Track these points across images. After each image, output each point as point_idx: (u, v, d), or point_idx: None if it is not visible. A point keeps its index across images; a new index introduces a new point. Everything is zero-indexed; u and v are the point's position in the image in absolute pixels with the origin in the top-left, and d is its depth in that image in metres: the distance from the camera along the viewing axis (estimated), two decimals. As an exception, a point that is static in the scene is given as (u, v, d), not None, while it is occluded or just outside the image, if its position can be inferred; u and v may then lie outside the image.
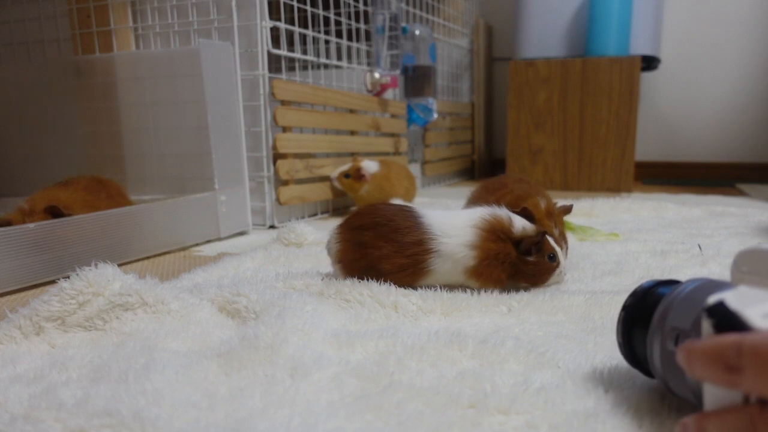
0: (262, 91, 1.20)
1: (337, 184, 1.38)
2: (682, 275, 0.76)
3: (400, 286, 0.67)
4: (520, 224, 0.69)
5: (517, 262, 0.68)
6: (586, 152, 1.93)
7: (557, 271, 0.71)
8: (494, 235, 0.67)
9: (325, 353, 0.51)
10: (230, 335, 0.56)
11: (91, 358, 0.51)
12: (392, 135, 1.72)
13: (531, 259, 0.68)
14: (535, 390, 0.43)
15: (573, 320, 0.61)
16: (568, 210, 0.85)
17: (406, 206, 0.72)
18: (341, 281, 0.69)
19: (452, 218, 0.69)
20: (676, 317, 0.38)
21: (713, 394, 0.32)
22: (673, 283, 0.43)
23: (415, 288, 0.68)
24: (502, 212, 0.69)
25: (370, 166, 1.36)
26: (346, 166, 1.37)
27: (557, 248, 0.71)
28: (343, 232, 0.71)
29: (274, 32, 1.23)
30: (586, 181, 1.94)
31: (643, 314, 0.41)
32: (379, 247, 0.67)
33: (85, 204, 0.98)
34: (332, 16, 1.46)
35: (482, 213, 0.69)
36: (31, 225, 0.81)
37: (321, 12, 1.39)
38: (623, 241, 0.99)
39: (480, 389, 0.44)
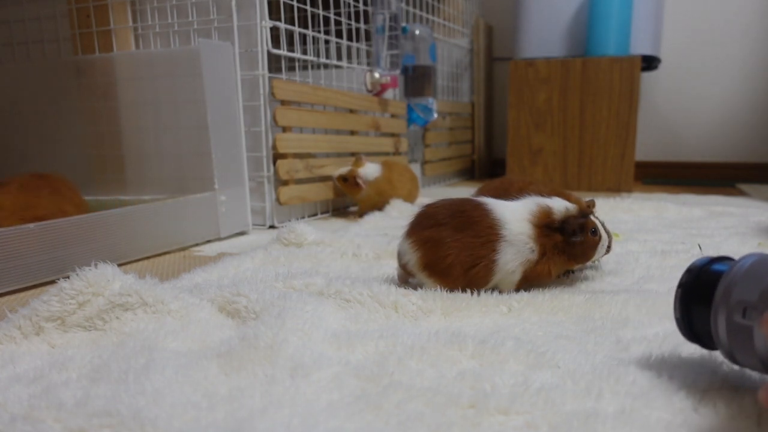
0: (262, 91, 1.20)
1: (335, 182, 1.38)
2: (683, 275, 0.76)
3: (472, 284, 0.67)
4: (561, 207, 0.69)
5: (565, 247, 0.68)
6: (586, 152, 1.93)
7: (600, 244, 0.71)
8: (543, 229, 0.68)
9: (325, 353, 0.51)
10: (230, 335, 0.56)
11: (91, 358, 0.51)
12: (392, 135, 1.72)
13: (577, 239, 0.68)
14: (535, 390, 0.43)
15: (573, 320, 0.61)
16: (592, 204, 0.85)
17: (468, 199, 0.71)
18: (341, 281, 0.69)
19: (512, 209, 0.69)
20: (742, 291, 0.40)
21: None
22: (724, 259, 0.45)
23: (480, 288, 0.67)
24: (542, 201, 0.70)
25: (369, 171, 1.35)
26: (345, 169, 1.36)
27: (597, 222, 0.71)
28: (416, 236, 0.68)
29: (274, 32, 1.23)
30: (586, 181, 1.94)
31: (702, 290, 0.43)
32: (458, 239, 0.66)
33: (21, 206, 0.89)
34: (332, 16, 1.46)
35: (530, 206, 0.69)
36: (31, 225, 0.81)
37: (321, 12, 1.39)
38: (623, 241, 0.99)
39: (480, 389, 0.44)
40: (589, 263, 0.75)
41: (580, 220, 0.68)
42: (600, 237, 0.71)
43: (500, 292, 0.68)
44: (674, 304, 0.45)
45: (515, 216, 0.68)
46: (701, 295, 0.43)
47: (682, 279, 0.45)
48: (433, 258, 0.67)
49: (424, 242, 0.67)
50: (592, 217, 0.71)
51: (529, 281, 0.70)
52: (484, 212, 0.68)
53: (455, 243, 0.66)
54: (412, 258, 0.68)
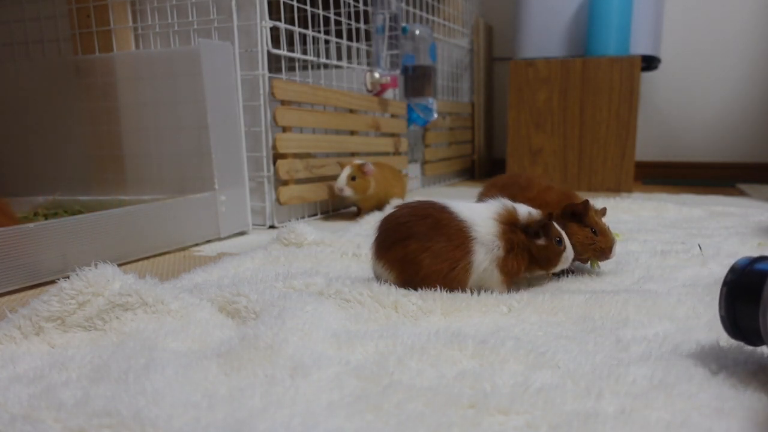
0: (261, 91, 1.20)
1: (349, 192, 1.29)
2: (683, 275, 0.76)
3: (449, 287, 0.67)
4: (525, 211, 0.71)
5: (530, 247, 0.70)
6: (586, 152, 1.93)
7: (564, 255, 0.72)
8: (509, 226, 0.69)
9: (325, 353, 0.51)
10: (230, 335, 0.56)
11: (91, 358, 0.51)
12: (392, 135, 1.72)
13: (540, 242, 0.70)
14: (535, 390, 0.43)
15: (573, 320, 0.61)
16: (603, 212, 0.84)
17: (427, 202, 0.71)
18: (341, 281, 0.69)
19: (476, 209, 0.71)
20: None
21: None
22: (765, 259, 0.47)
23: (459, 289, 0.67)
24: (507, 203, 0.72)
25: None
26: (346, 172, 1.29)
27: (562, 232, 0.73)
28: (383, 252, 0.69)
29: (274, 32, 1.23)
30: (586, 181, 1.94)
31: (747, 289, 0.45)
32: (428, 247, 0.66)
33: None
34: (332, 16, 1.46)
35: (495, 206, 0.71)
36: (31, 225, 0.81)
37: (321, 12, 1.39)
38: (623, 241, 0.99)
39: (480, 389, 0.44)
40: (556, 270, 0.74)
41: (542, 223, 0.70)
42: (564, 248, 0.72)
43: (500, 292, 0.68)
44: (719, 303, 0.47)
45: (482, 216, 0.69)
46: (747, 293, 0.45)
47: (726, 278, 0.46)
48: (409, 275, 0.67)
49: (396, 262, 0.68)
50: (556, 226, 0.72)
51: (503, 275, 0.69)
52: (449, 215, 0.68)
53: (426, 254, 0.66)
54: (390, 278, 0.69)
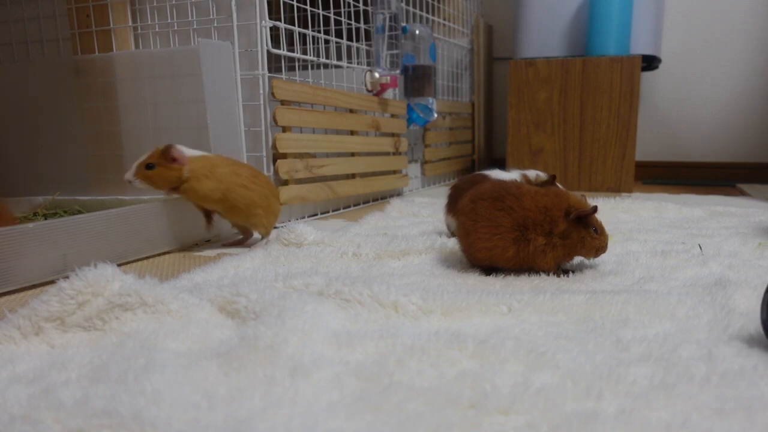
0: (261, 90, 1.20)
1: (138, 184, 0.94)
2: (683, 275, 0.76)
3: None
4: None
5: None
6: (586, 152, 1.93)
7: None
8: None
9: (325, 353, 0.51)
10: (230, 335, 0.56)
11: (90, 358, 0.51)
12: (392, 135, 1.72)
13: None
14: (535, 390, 0.43)
15: (573, 320, 0.61)
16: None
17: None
18: (341, 281, 0.69)
19: None
20: None
21: None
22: None
23: None
24: None
25: (188, 151, 0.96)
26: (143, 157, 0.95)
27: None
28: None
29: (274, 32, 1.23)
30: (586, 181, 1.94)
31: None
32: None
33: None
34: (332, 16, 1.46)
35: None
36: (31, 225, 0.81)
37: (321, 12, 1.39)
38: (623, 241, 0.99)
39: (480, 389, 0.44)
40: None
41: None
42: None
43: (501, 292, 0.68)
44: (761, 307, 0.50)
45: None
46: None
47: None
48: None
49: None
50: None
51: None
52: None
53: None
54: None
